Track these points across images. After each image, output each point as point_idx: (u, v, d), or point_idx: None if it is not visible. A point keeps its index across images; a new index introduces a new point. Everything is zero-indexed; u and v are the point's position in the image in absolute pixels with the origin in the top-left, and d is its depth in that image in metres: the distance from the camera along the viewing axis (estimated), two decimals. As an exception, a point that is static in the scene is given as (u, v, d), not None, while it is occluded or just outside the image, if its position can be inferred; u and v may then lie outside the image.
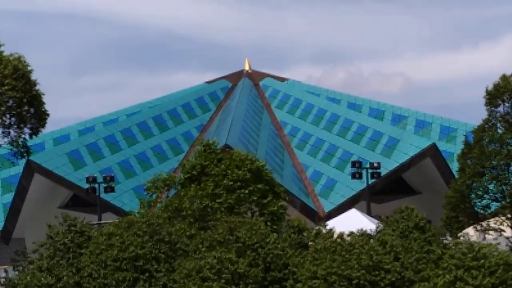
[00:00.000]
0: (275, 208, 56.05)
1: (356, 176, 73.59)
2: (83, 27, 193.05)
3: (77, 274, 49.28)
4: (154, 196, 60.84)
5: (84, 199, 73.72)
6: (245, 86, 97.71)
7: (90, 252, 49.57)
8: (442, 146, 76.75)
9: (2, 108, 54.26)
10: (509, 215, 52.46)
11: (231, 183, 55.53)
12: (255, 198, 55.68)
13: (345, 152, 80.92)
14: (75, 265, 49.80)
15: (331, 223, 58.85)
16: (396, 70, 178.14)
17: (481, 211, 53.60)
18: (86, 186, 72.27)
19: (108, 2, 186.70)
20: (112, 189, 71.93)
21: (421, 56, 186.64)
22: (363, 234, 49.48)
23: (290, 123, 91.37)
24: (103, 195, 71.20)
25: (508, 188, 51.76)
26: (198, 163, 57.86)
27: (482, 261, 45.01)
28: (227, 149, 62.00)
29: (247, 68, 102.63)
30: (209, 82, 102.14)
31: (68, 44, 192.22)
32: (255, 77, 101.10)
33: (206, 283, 45.67)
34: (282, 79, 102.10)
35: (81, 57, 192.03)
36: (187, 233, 50.43)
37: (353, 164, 74.61)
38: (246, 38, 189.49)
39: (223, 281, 45.56)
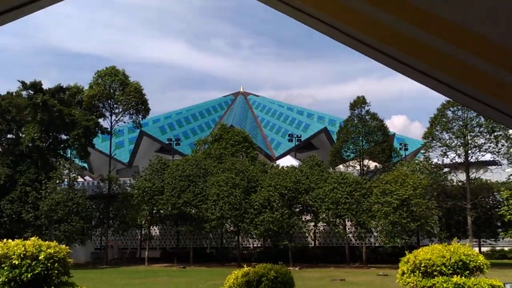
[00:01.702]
0: (253, 154, 56.34)
1: (290, 140, 73.98)
2: (166, 69, 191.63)
3: (162, 182, 49.64)
4: (198, 148, 61.07)
5: (166, 149, 73.65)
6: (240, 99, 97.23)
7: (168, 172, 49.94)
8: (330, 128, 76.60)
9: (129, 106, 54.60)
10: (359, 160, 52.34)
11: (233, 142, 55.80)
12: (244, 150, 55.94)
13: (285, 130, 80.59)
14: (161, 178, 50.16)
15: (278, 161, 59.31)
16: (308, 94, 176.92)
17: (346, 158, 53.46)
18: (167, 142, 72.49)
19: (177, 56, 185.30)
20: (178, 144, 72.14)
21: (321, 86, 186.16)
22: (293, 167, 49.84)
23: (261, 115, 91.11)
24: (175, 147, 71.40)
25: (358, 148, 51.61)
26: (218, 133, 58.09)
27: (345, 180, 45.46)
28: (232, 127, 62.12)
29: (241, 90, 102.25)
30: (224, 96, 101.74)
31: (159, 76, 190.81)
32: (245, 94, 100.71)
33: (221, 188, 46.11)
34: (258, 96, 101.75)
35: (165, 83, 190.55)
36: (213, 165, 50.75)
37: (289, 135, 74.94)
38: (242, 76, 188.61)
39: (228, 186, 45.98)
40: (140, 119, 56.85)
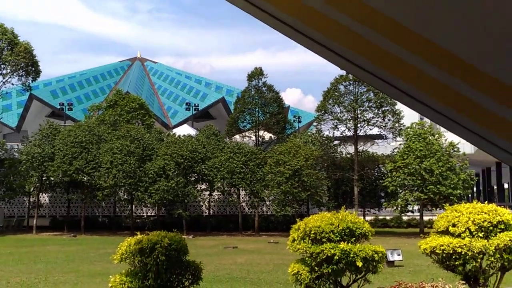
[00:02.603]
0: (149, 122, 55.45)
1: (187, 109, 73.57)
2: (59, 30, 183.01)
3: (52, 148, 47.76)
4: (91, 114, 59.17)
5: (58, 114, 70.67)
6: (137, 64, 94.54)
7: (59, 138, 48.05)
8: (227, 98, 76.74)
9: (18, 67, 51.66)
10: (254, 130, 52.98)
11: (129, 109, 54.53)
12: (140, 117, 54.91)
13: (183, 98, 79.72)
14: (52, 144, 48.25)
15: (175, 130, 58.84)
16: (207, 63, 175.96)
17: (242, 128, 53.88)
18: (59, 107, 69.67)
19: (71, 17, 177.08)
20: (71, 109, 69.56)
21: (220, 56, 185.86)
22: (189, 136, 49.58)
23: (158, 83, 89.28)
24: (67, 112, 68.75)
25: (254, 118, 52.20)
26: (113, 99, 56.46)
27: (241, 150, 45.93)
28: (127, 93, 60.52)
29: (139, 56, 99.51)
30: (121, 61, 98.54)
31: (52, 37, 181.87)
32: (142, 60, 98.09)
33: (115, 155, 45.14)
34: (155, 62, 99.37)
35: (58, 45, 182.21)
36: (107, 132, 49.39)
37: (187, 104, 74.48)
38: (139, 42, 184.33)
39: (123, 154, 45.07)
40: (30, 82, 54.03)
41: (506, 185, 75.31)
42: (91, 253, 30.25)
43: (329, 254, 10.73)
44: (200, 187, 47.49)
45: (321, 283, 11.39)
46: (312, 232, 11.27)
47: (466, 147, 49.86)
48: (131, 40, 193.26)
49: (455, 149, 44.45)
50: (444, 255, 12.00)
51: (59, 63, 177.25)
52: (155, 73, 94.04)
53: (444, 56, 1.85)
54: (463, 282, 12.17)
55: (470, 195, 68.03)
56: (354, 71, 2.28)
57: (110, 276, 11.23)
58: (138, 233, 11.70)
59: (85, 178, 46.41)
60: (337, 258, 10.71)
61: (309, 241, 11.28)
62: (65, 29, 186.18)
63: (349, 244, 11.05)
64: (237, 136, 53.72)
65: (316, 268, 11.01)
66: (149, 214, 53.04)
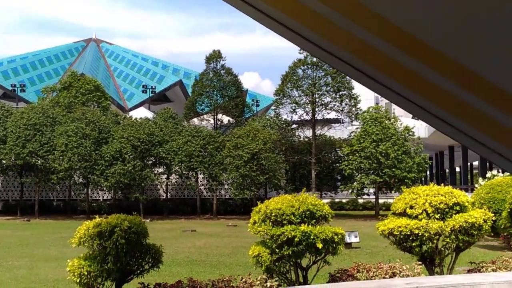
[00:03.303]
0: (105, 105, 54.56)
1: (144, 92, 72.68)
2: (10, 10, 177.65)
3: (4, 131, 46.54)
4: (45, 95, 57.79)
5: (9, 95, 68.75)
6: (92, 46, 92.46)
7: (12, 120, 46.84)
8: (185, 81, 75.99)
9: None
10: (213, 114, 52.87)
11: (84, 91, 53.49)
12: (95, 99, 53.96)
13: (139, 81, 78.57)
14: (3, 126, 47.02)
15: (131, 113, 58.13)
16: (164, 46, 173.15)
17: (200, 111, 53.77)
18: (11, 88, 67.81)
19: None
20: (24, 91, 67.79)
21: (177, 38, 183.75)
22: (146, 118, 49.08)
23: (113, 65, 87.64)
24: (20, 94, 66.96)
25: (213, 102, 52.03)
26: (68, 81, 55.22)
27: (199, 133, 45.75)
28: (83, 75, 59.20)
29: (94, 37, 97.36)
30: (75, 42, 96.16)
31: (2, 17, 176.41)
32: (98, 42, 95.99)
33: (70, 138, 44.34)
34: (111, 44, 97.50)
35: (10, 25, 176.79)
36: (62, 114, 48.45)
37: (143, 86, 73.56)
38: (94, 23, 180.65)
39: (78, 137, 44.32)
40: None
41: (457, 169, 77.33)
42: (45, 238, 29.73)
43: (289, 236, 10.81)
44: (158, 171, 47.14)
45: (282, 265, 11.52)
46: (273, 214, 11.33)
47: (420, 131, 50.99)
48: (85, 21, 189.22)
49: (410, 133, 45.33)
50: (401, 236, 12.25)
51: (11, 43, 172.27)
52: (111, 54, 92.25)
53: (407, 39, 1.89)
54: (420, 262, 12.49)
55: (423, 178, 69.64)
56: (316, 52, 2.30)
57: (68, 260, 11.05)
58: (97, 216, 11.56)
59: (39, 161, 45.43)
60: (298, 240, 10.80)
61: (270, 223, 11.34)
62: (15, 9, 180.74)
63: (310, 226, 11.17)
64: (195, 119, 53.41)
65: (276, 250, 11.09)
66: (105, 197, 52.39)
